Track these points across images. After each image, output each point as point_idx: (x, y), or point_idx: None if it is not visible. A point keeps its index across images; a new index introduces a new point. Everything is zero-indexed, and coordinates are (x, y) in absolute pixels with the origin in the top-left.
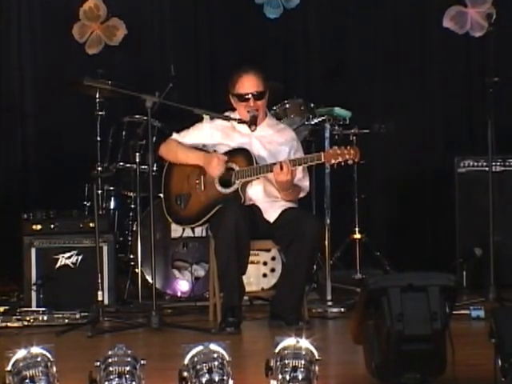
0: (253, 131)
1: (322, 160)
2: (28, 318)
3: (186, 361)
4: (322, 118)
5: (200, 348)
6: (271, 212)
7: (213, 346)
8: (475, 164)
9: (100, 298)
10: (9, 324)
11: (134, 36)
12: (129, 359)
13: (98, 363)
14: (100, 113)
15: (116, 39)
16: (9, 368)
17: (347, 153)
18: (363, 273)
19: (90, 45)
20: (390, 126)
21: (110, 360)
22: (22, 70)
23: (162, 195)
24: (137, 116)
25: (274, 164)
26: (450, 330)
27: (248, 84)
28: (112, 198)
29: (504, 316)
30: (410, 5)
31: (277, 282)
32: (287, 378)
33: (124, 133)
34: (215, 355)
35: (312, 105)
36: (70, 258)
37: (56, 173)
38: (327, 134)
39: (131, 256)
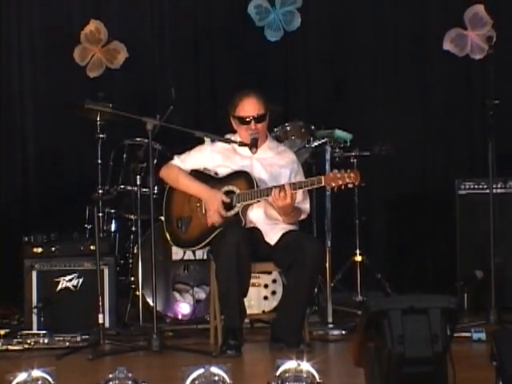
0: (254, 154)
1: (323, 184)
2: (29, 341)
3: None
4: (323, 140)
5: (201, 371)
6: (272, 235)
7: (214, 369)
8: (476, 186)
9: (101, 321)
10: (9, 347)
11: (134, 59)
12: (130, 382)
13: None
14: (101, 135)
15: (117, 62)
16: None
17: (347, 176)
18: (364, 295)
19: (91, 68)
20: (390, 148)
21: (110, 383)
22: (23, 93)
23: (162, 218)
24: (138, 139)
25: (275, 187)
26: (451, 352)
27: (249, 107)
28: (113, 221)
29: (505, 338)
30: (410, 27)
31: (278, 304)
32: None
33: (125, 155)
34: (216, 378)
35: (313, 127)
36: (70, 280)
37: (57, 195)
38: (328, 157)
39: (132, 279)
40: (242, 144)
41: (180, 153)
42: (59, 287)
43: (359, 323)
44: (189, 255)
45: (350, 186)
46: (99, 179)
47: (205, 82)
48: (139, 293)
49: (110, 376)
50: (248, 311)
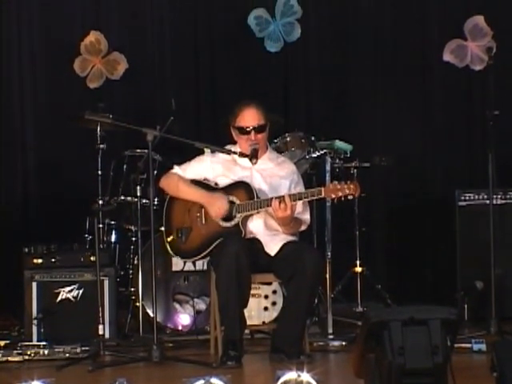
0: (254, 164)
1: (322, 195)
2: (29, 352)
3: None
4: (323, 151)
5: (201, 382)
6: (272, 245)
7: (214, 380)
8: (476, 197)
9: (101, 332)
10: (9, 358)
11: (135, 70)
12: None
13: None
14: (101, 146)
15: (117, 73)
16: None
17: (347, 188)
18: (364, 306)
19: (91, 79)
20: (390, 159)
21: None
22: (23, 103)
23: (163, 229)
24: (138, 150)
25: (275, 198)
26: (451, 363)
27: (249, 117)
28: (113, 232)
29: (505, 349)
30: (411, 38)
31: (278, 315)
32: None
33: (125, 166)
34: None
35: (313, 138)
36: (70, 291)
37: (57, 206)
38: (328, 168)
39: (132, 289)
40: (241, 155)
41: (180, 164)
42: (59, 298)
43: (359, 334)
44: (189, 266)
45: (349, 197)
46: (99, 190)
47: (205, 92)
48: (139, 304)
49: None
50: (248, 322)
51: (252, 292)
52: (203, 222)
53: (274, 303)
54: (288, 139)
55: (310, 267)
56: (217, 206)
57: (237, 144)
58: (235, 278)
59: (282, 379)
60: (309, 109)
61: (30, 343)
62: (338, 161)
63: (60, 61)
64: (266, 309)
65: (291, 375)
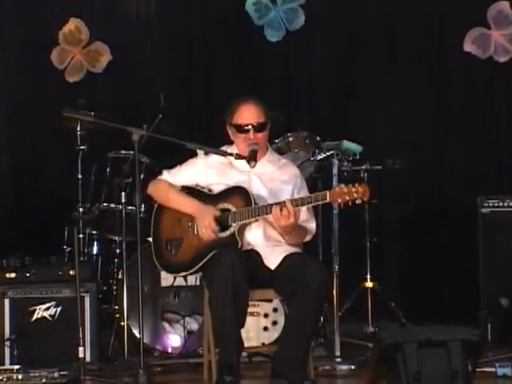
0: (252, 167)
1: (328, 199)
2: (0, 377)
3: None
4: (330, 152)
5: None
6: (272, 258)
7: None
8: (500, 204)
9: (81, 355)
10: None
11: (119, 62)
12: None
13: None
14: (82, 147)
15: (99, 65)
16: None
17: (355, 191)
18: (376, 326)
19: (70, 71)
20: (404, 161)
21: None
22: None
23: (150, 239)
24: (123, 151)
25: (275, 204)
26: None
27: (247, 114)
28: (95, 243)
29: None
30: (427, 26)
31: (279, 336)
32: None
33: (108, 170)
34: None
35: (318, 138)
36: (47, 309)
37: (32, 215)
38: (335, 171)
39: (116, 307)
40: (238, 157)
41: (170, 167)
42: (35, 317)
43: (370, 357)
44: (179, 281)
45: (358, 202)
46: (79, 196)
47: (198, 87)
48: (124, 323)
49: None
50: (246, 344)
51: (250, 310)
52: (195, 232)
53: (274, 322)
54: (290, 139)
55: (314, 282)
56: (207, 221)
57: (233, 144)
58: (231, 292)
59: None
60: (313, 105)
61: (2, 367)
62: (346, 163)
63: (36, 51)
64: (265, 329)
65: None
